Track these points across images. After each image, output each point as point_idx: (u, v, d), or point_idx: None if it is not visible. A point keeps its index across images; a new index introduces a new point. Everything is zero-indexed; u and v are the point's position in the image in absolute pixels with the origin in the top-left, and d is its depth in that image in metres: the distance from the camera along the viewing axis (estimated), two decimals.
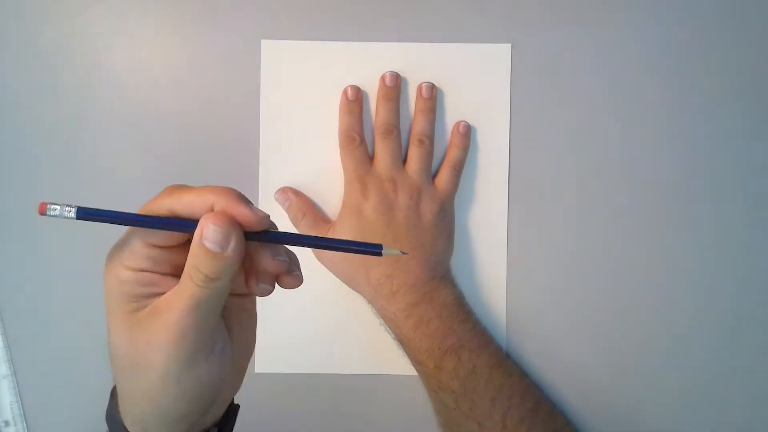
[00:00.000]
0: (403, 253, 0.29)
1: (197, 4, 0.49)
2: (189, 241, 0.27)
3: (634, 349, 0.49)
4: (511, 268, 0.49)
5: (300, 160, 0.49)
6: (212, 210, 0.27)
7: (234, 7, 0.49)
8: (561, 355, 0.49)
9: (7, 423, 0.49)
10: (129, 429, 0.29)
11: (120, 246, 0.28)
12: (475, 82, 0.49)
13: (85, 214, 0.27)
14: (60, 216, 0.26)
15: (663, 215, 0.49)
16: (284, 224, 0.49)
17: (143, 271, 0.28)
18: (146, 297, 0.28)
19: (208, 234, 0.26)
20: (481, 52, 0.49)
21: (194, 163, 0.49)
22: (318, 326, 0.49)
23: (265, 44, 0.49)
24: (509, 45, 0.49)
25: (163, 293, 0.27)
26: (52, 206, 0.27)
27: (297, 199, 0.48)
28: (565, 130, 0.49)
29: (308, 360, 0.49)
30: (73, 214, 0.26)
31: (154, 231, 0.27)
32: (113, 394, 0.31)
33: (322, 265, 0.48)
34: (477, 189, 0.50)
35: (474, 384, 0.44)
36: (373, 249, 0.28)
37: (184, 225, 0.27)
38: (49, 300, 0.49)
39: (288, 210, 0.48)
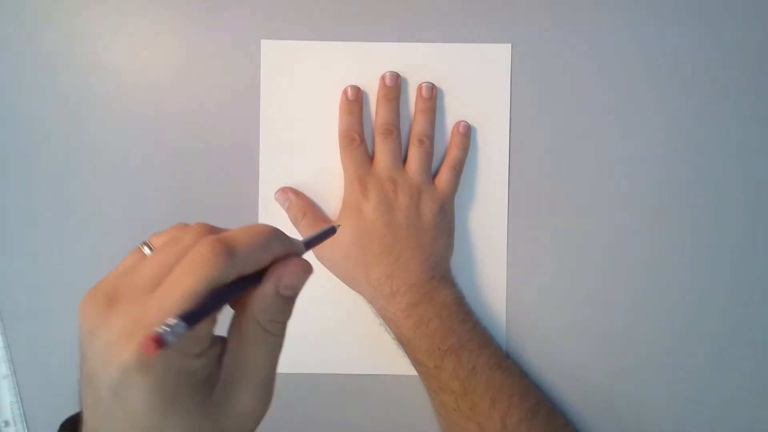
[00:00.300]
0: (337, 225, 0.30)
1: (197, 4, 0.49)
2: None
3: (634, 349, 0.49)
4: (511, 268, 0.49)
5: (300, 160, 0.49)
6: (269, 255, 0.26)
7: (234, 7, 0.49)
8: (561, 355, 0.49)
9: (7, 423, 0.49)
10: None
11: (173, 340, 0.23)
12: (475, 82, 0.49)
13: (192, 318, 0.22)
14: (174, 333, 0.22)
15: (663, 215, 0.49)
16: (284, 224, 0.49)
17: (208, 349, 0.25)
18: (212, 375, 0.25)
19: (289, 283, 0.26)
20: (481, 52, 0.49)
21: (194, 163, 0.49)
22: (318, 326, 0.49)
23: (265, 44, 0.49)
24: (509, 45, 0.49)
25: (218, 361, 0.25)
26: (164, 332, 0.21)
27: (297, 199, 0.48)
28: (565, 130, 0.49)
29: (308, 360, 0.49)
30: (182, 328, 0.22)
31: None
32: None
33: (323, 265, 0.48)
34: (477, 189, 0.50)
35: (474, 384, 0.44)
36: (330, 231, 0.29)
37: (251, 279, 0.25)
38: (49, 300, 0.49)
39: (288, 210, 0.48)
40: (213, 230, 0.27)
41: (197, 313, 0.22)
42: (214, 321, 0.25)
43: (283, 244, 0.26)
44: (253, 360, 0.26)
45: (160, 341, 0.21)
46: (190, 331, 0.22)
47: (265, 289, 0.26)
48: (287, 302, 0.26)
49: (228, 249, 0.24)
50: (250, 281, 0.25)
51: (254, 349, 0.26)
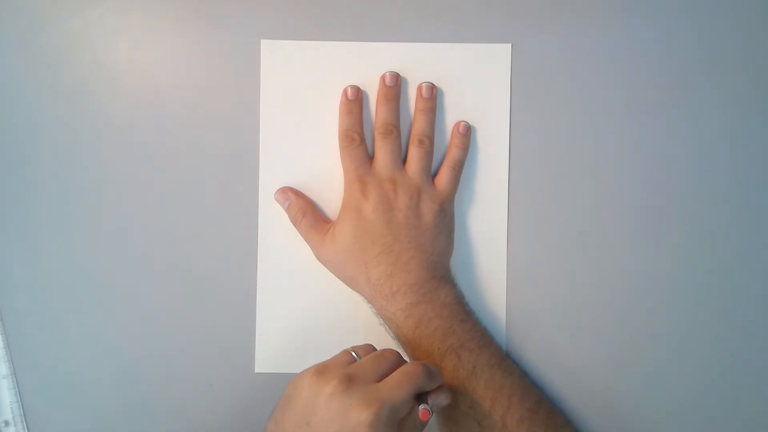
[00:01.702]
0: None
1: (197, 4, 0.49)
2: None
3: (634, 349, 0.49)
4: (511, 268, 0.49)
5: (300, 160, 0.49)
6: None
7: (234, 7, 0.49)
8: (561, 354, 0.49)
9: (7, 423, 0.49)
10: None
11: (394, 414, 0.36)
12: (475, 82, 0.49)
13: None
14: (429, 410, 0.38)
15: (663, 215, 0.49)
16: (284, 224, 0.49)
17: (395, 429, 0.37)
18: None
19: (440, 404, 0.40)
20: (481, 52, 0.49)
21: (194, 163, 0.49)
22: (318, 326, 0.49)
23: (265, 44, 0.49)
24: (509, 45, 0.49)
25: None
26: (428, 409, 0.38)
27: (297, 199, 0.48)
28: (565, 130, 0.49)
29: (308, 360, 0.49)
30: (428, 408, 0.38)
31: (411, 405, 0.38)
32: None
33: (323, 265, 0.48)
34: (477, 189, 0.50)
35: (474, 383, 0.44)
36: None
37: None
38: (49, 300, 0.49)
39: (288, 210, 0.48)
40: (400, 356, 0.40)
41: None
42: (405, 412, 0.37)
43: (441, 379, 0.40)
44: None
45: (428, 415, 0.38)
46: (426, 419, 0.38)
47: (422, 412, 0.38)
48: (431, 415, 0.39)
49: (429, 372, 0.39)
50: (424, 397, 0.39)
51: None
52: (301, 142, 0.49)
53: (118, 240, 0.49)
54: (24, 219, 0.49)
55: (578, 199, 0.49)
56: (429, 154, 0.48)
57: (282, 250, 0.49)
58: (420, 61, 0.49)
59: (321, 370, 0.37)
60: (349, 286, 0.48)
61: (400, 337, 0.46)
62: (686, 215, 0.49)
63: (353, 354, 0.40)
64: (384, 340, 0.48)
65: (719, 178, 0.49)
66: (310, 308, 0.50)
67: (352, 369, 0.38)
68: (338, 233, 0.47)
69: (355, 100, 0.48)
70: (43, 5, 0.49)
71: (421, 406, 0.38)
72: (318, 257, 0.48)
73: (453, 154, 0.49)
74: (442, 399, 0.40)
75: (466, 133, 0.49)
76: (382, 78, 0.48)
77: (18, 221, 0.49)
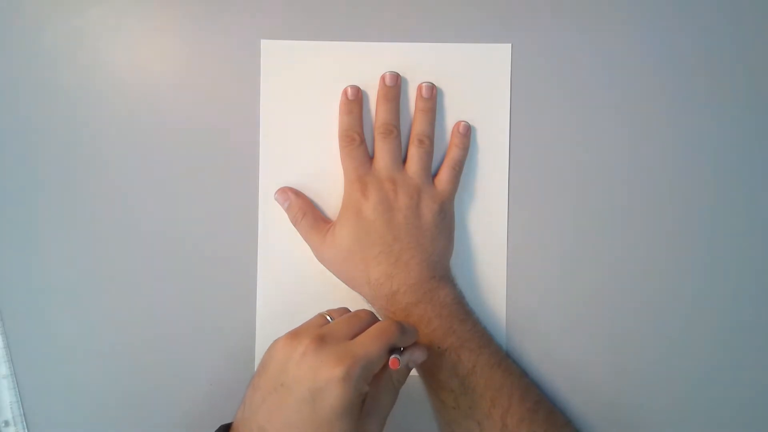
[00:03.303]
0: None
1: (197, 4, 0.49)
2: None
3: (634, 349, 0.49)
4: (511, 268, 0.49)
5: (300, 160, 0.49)
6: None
7: (234, 7, 0.49)
8: (561, 354, 0.49)
9: (7, 423, 0.49)
10: None
11: (366, 370, 0.36)
12: (475, 82, 0.49)
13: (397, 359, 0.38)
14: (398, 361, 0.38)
15: (663, 215, 0.49)
16: (284, 224, 0.49)
17: (368, 384, 0.37)
18: (360, 404, 0.37)
19: (417, 360, 0.40)
20: (481, 52, 0.49)
21: (194, 163, 0.49)
22: None
23: (265, 44, 0.49)
24: (509, 45, 0.49)
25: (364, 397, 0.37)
26: (398, 358, 0.38)
27: (297, 199, 0.48)
28: (565, 130, 0.49)
29: None
30: (398, 360, 0.38)
31: (385, 360, 0.37)
32: None
33: (323, 265, 0.48)
34: (477, 189, 0.50)
35: (474, 383, 0.44)
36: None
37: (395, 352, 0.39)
38: (49, 300, 0.49)
39: (288, 210, 0.48)
40: (375, 316, 0.40)
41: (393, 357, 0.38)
42: (378, 368, 0.37)
43: (417, 335, 0.41)
44: (383, 402, 0.39)
45: (397, 363, 0.37)
46: (395, 368, 0.38)
47: (402, 361, 0.39)
48: (409, 371, 0.40)
49: (402, 328, 0.39)
50: (398, 354, 0.39)
51: (385, 395, 0.39)
52: (301, 142, 0.49)
53: (118, 240, 0.49)
54: (24, 219, 0.49)
55: (578, 199, 0.49)
56: (429, 154, 0.48)
57: (282, 250, 0.49)
58: (420, 61, 0.49)
59: (294, 333, 0.38)
60: (349, 286, 0.48)
61: None
62: (686, 215, 0.49)
63: (327, 317, 0.40)
64: None
65: (720, 178, 0.49)
66: (310, 308, 0.49)
67: (325, 329, 0.38)
68: (338, 233, 0.47)
69: (355, 100, 0.48)
70: (43, 5, 0.49)
71: (392, 356, 0.37)
72: (318, 257, 0.48)
73: (453, 154, 0.49)
74: (418, 355, 0.40)
75: (466, 133, 0.49)
76: (382, 78, 0.48)
77: (18, 221, 0.49)
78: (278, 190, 0.49)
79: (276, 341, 0.38)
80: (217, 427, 0.39)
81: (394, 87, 0.48)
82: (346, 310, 0.41)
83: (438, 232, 0.47)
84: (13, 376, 0.49)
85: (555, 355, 0.49)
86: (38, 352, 0.49)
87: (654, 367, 0.49)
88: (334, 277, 0.48)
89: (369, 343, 0.37)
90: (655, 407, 0.49)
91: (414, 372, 0.47)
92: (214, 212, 0.49)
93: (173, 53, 0.50)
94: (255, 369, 0.49)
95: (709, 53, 0.49)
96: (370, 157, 0.48)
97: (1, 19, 0.49)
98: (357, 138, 0.48)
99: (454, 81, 0.49)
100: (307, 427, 0.35)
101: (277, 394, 0.36)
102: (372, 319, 0.40)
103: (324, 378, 0.35)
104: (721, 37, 0.49)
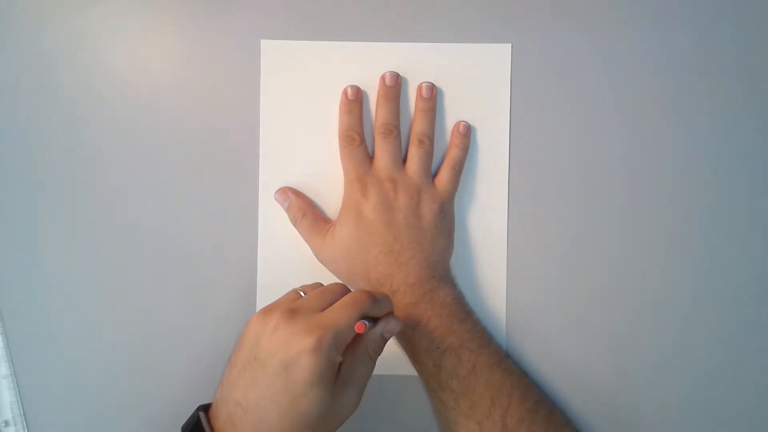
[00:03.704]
0: None
1: (197, 4, 0.49)
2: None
3: (634, 348, 0.49)
4: (511, 268, 0.49)
5: (300, 160, 0.49)
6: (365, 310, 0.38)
7: (234, 7, 0.49)
8: (561, 354, 0.49)
9: (7, 423, 0.49)
10: None
11: (338, 339, 0.36)
12: (475, 82, 0.49)
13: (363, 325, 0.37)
14: (365, 327, 0.37)
15: (663, 215, 0.49)
16: (284, 224, 0.49)
17: (341, 354, 0.37)
18: (334, 373, 0.37)
19: (392, 330, 0.40)
20: (481, 52, 0.49)
21: (194, 162, 0.49)
22: None
23: (265, 44, 0.49)
24: (509, 45, 0.49)
25: (338, 367, 0.37)
26: (364, 324, 0.37)
27: (297, 199, 0.48)
28: (565, 130, 0.49)
29: None
30: (366, 326, 0.38)
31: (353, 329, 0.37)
32: (202, 416, 0.38)
33: (322, 265, 0.48)
34: (477, 189, 0.50)
35: (474, 383, 0.44)
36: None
37: (370, 322, 0.39)
38: (49, 300, 0.49)
39: (288, 210, 0.48)
40: (347, 289, 0.40)
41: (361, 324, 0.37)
42: (351, 337, 0.38)
43: (392, 305, 0.41)
44: (359, 372, 0.39)
45: (363, 327, 0.37)
46: (361, 330, 0.37)
47: (377, 330, 0.39)
48: (384, 341, 0.40)
49: (373, 297, 0.38)
50: (371, 323, 0.39)
51: (361, 365, 0.39)
52: (301, 142, 0.49)
53: (118, 240, 0.49)
54: (24, 219, 0.49)
55: (578, 199, 0.49)
56: (429, 154, 0.48)
57: (282, 250, 0.49)
58: (420, 61, 0.49)
59: (266, 309, 0.38)
60: (348, 285, 0.48)
61: (399, 337, 0.46)
62: (686, 215, 0.49)
63: (301, 292, 0.40)
64: None
65: (720, 178, 0.49)
66: None
67: (296, 303, 0.38)
68: (338, 233, 0.47)
69: (355, 100, 0.48)
70: (43, 5, 0.49)
71: (359, 321, 0.37)
72: (318, 257, 0.48)
73: (453, 154, 0.49)
74: (393, 325, 0.40)
75: (466, 133, 0.49)
76: (382, 78, 0.48)
77: (18, 221, 0.49)
78: (278, 190, 0.49)
79: (250, 318, 0.38)
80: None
81: (394, 87, 0.48)
82: (320, 285, 0.41)
83: (438, 232, 0.47)
84: (13, 376, 0.49)
85: (555, 355, 0.49)
86: (38, 352, 0.49)
87: (654, 367, 0.49)
88: (334, 276, 0.48)
89: (339, 313, 0.37)
90: (655, 407, 0.49)
91: (413, 372, 0.47)
92: (214, 212, 0.49)
93: (173, 53, 0.50)
94: None
95: (709, 53, 0.49)
96: (370, 157, 0.48)
97: (1, 19, 0.49)
98: (357, 138, 0.48)
99: (454, 81, 0.49)
100: (282, 398, 0.35)
101: (251, 368, 0.36)
102: (344, 291, 0.39)
103: (295, 349, 0.35)
104: (721, 37, 0.49)
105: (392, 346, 0.47)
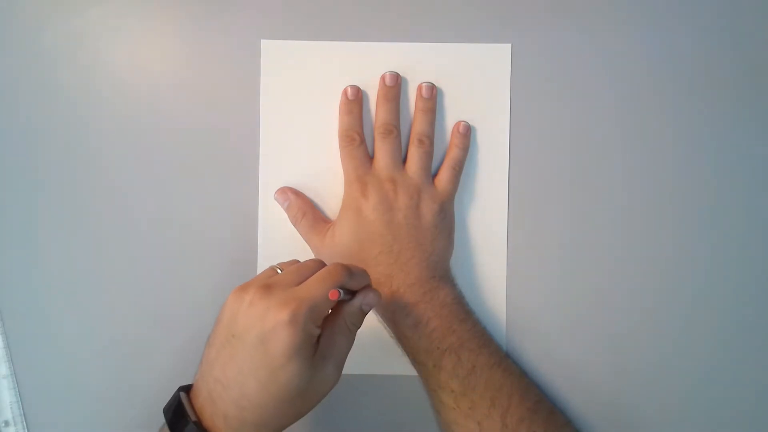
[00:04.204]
0: None
1: (197, 4, 0.49)
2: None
3: (634, 349, 0.49)
4: (511, 268, 0.49)
5: (300, 160, 0.49)
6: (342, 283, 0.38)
7: (234, 7, 0.49)
8: (561, 354, 0.49)
9: (7, 423, 0.49)
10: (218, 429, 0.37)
11: (313, 312, 0.36)
12: (475, 82, 0.49)
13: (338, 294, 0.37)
14: (340, 296, 0.37)
15: (663, 215, 0.49)
16: (284, 224, 0.49)
17: (318, 327, 0.37)
18: (313, 346, 0.37)
19: (371, 302, 0.40)
20: (481, 52, 0.49)
21: (194, 162, 0.49)
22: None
23: (265, 44, 0.49)
24: (509, 45, 0.49)
25: (316, 340, 0.37)
26: (338, 291, 0.37)
27: (297, 199, 0.48)
28: (565, 130, 0.49)
29: None
30: (341, 294, 0.37)
31: (332, 301, 0.37)
32: (183, 396, 0.39)
33: None
34: (477, 189, 0.50)
35: (473, 383, 0.44)
36: None
37: (348, 295, 0.39)
38: (49, 300, 0.49)
39: (288, 210, 0.48)
40: (323, 264, 0.39)
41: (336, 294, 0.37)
42: (328, 310, 0.38)
43: (368, 278, 0.40)
44: (338, 345, 0.39)
45: (337, 295, 0.36)
46: (335, 300, 0.37)
47: (355, 303, 0.39)
48: (363, 314, 0.40)
49: (349, 270, 0.38)
50: (348, 296, 0.39)
51: (339, 338, 0.39)
52: (301, 142, 0.49)
53: (118, 240, 0.49)
54: (24, 219, 0.49)
55: (578, 199, 0.49)
56: (429, 154, 0.48)
57: (282, 250, 0.49)
58: (420, 61, 0.49)
59: (242, 286, 0.38)
60: None
61: (399, 337, 0.46)
62: (686, 215, 0.49)
63: (278, 269, 0.40)
64: (383, 339, 0.48)
65: (720, 178, 0.49)
66: None
67: (272, 279, 0.38)
68: (338, 233, 0.47)
69: (355, 100, 0.48)
70: (43, 5, 0.49)
71: (331, 289, 0.37)
72: (318, 257, 0.48)
73: (453, 154, 0.49)
74: (371, 297, 0.39)
75: (466, 133, 0.49)
76: (382, 78, 0.48)
77: (18, 221, 0.49)
78: (278, 190, 0.49)
79: (227, 297, 0.38)
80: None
81: (394, 87, 0.48)
82: (297, 262, 0.41)
83: (438, 232, 0.47)
84: (13, 376, 0.49)
85: (555, 355, 0.49)
86: (38, 352, 0.49)
87: (654, 367, 0.49)
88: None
89: (314, 286, 0.36)
90: (655, 407, 0.49)
91: (413, 372, 0.47)
92: (214, 212, 0.49)
93: (173, 53, 0.50)
94: None
95: (709, 53, 0.49)
96: (370, 157, 0.48)
97: (1, 19, 0.49)
98: (357, 138, 0.48)
99: (454, 81, 0.49)
100: (261, 372, 0.35)
101: (229, 345, 0.37)
102: (320, 266, 0.39)
103: (271, 323, 0.35)
104: (721, 37, 0.49)
105: (392, 346, 0.47)
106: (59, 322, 0.49)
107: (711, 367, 0.49)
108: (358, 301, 0.39)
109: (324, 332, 0.38)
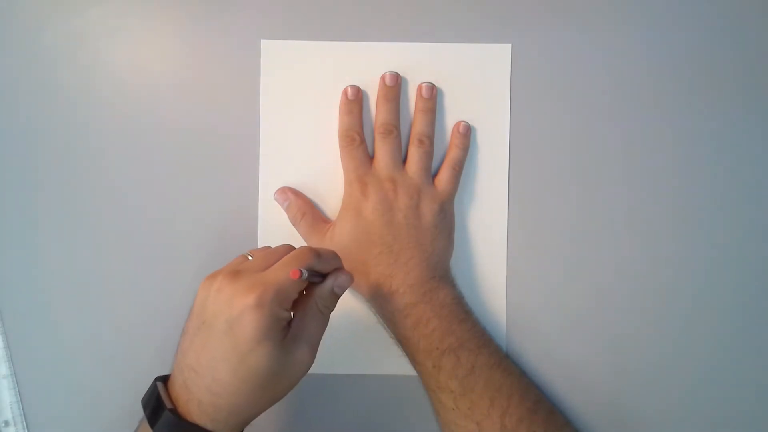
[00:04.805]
0: None
1: (197, 4, 0.49)
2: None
3: (634, 349, 0.49)
4: (511, 268, 0.49)
5: (300, 160, 0.49)
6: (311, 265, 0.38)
7: (234, 7, 0.49)
8: (561, 354, 0.49)
9: (7, 423, 0.49)
10: (195, 419, 0.37)
11: (280, 295, 0.36)
12: (475, 82, 0.49)
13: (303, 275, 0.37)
14: (302, 276, 0.36)
15: (663, 215, 0.49)
16: (284, 224, 0.49)
17: (288, 310, 0.37)
18: (284, 328, 0.37)
19: (341, 284, 0.40)
20: (481, 52, 0.49)
21: (194, 162, 0.49)
22: None
23: (265, 44, 0.49)
24: (509, 45, 0.49)
25: (287, 323, 0.38)
26: (300, 271, 0.36)
27: (296, 199, 0.48)
28: (565, 130, 0.49)
29: None
30: (304, 275, 0.36)
31: (303, 283, 0.38)
32: (159, 386, 0.39)
33: None
34: (477, 189, 0.50)
35: (473, 383, 0.44)
36: None
37: (319, 277, 0.39)
38: (49, 300, 0.49)
39: (287, 210, 0.48)
40: (293, 248, 0.39)
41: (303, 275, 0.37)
42: (296, 293, 0.37)
43: (339, 260, 0.40)
44: (310, 327, 0.39)
45: (298, 274, 0.36)
46: (302, 281, 0.37)
47: (326, 285, 0.39)
48: (336, 297, 0.40)
49: (317, 253, 0.38)
50: (318, 278, 0.39)
51: (311, 320, 0.39)
52: (301, 142, 0.49)
53: (118, 240, 0.49)
54: (24, 219, 0.49)
55: (578, 199, 0.49)
56: (429, 154, 0.48)
57: None
58: (420, 61, 0.49)
59: (212, 274, 0.38)
60: None
61: (398, 337, 0.46)
62: (686, 215, 0.49)
63: (248, 257, 0.40)
64: (383, 339, 0.48)
65: (720, 178, 0.49)
66: None
67: (241, 265, 0.38)
68: (338, 233, 0.47)
69: (355, 100, 0.48)
70: (43, 5, 0.49)
71: (293, 269, 0.37)
72: None
73: (453, 154, 0.49)
74: (342, 279, 0.40)
75: (466, 133, 0.49)
76: (382, 78, 0.48)
77: (18, 221, 0.49)
78: (278, 190, 0.49)
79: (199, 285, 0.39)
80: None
81: (394, 87, 0.48)
82: (268, 248, 0.41)
83: (438, 233, 0.47)
84: (13, 376, 0.49)
85: (555, 355, 0.49)
86: (38, 352, 0.49)
87: (654, 368, 0.49)
88: None
89: (281, 270, 0.37)
90: (655, 407, 0.49)
91: (413, 372, 0.47)
92: (214, 212, 0.49)
93: (173, 53, 0.50)
94: None
95: (709, 53, 0.49)
96: (370, 157, 0.48)
97: (1, 19, 0.49)
98: (357, 138, 0.48)
99: (454, 81, 0.49)
100: (231, 357, 0.36)
101: (200, 332, 0.37)
102: (290, 251, 0.39)
103: (238, 307, 0.35)
104: (721, 37, 0.49)
105: (392, 346, 0.47)
106: (59, 322, 0.49)
107: (711, 367, 0.49)
108: (329, 283, 0.39)
109: (296, 315, 0.39)
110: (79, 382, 0.49)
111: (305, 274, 0.37)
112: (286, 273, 0.36)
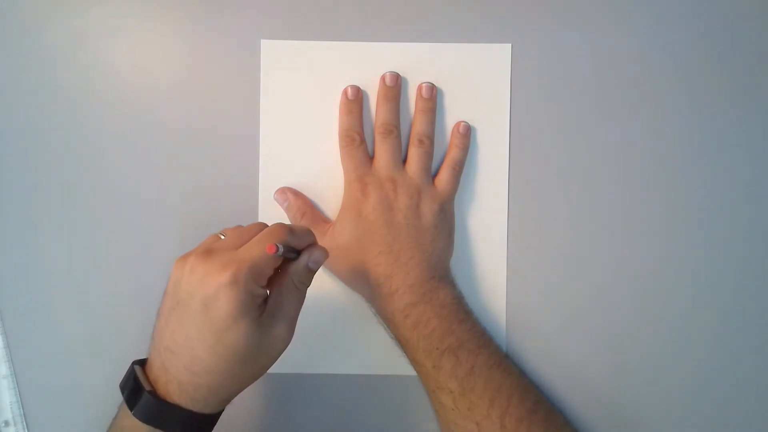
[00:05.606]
0: None
1: (197, 4, 0.49)
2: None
3: (634, 349, 0.49)
4: (511, 268, 0.49)
5: (300, 160, 0.49)
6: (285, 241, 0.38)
7: (234, 7, 0.49)
8: (561, 354, 0.49)
9: (7, 423, 0.49)
10: (175, 399, 0.37)
11: (254, 271, 0.36)
12: (475, 82, 0.49)
13: (279, 251, 0.37)
14: (277, 252, 0.36)
15: (663, 215, 0.49)
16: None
17: (263, 287, 0.37)
18: (261, 305, 0.37)
19: (316, 259, 0.39)
20: (481, 52, 0.49)
21: (194, 162, 0.49)
22: (317, 326, 0.49)
23: (265, 44, 0.49)
24: (509, 45, 0.49)
25: (263, 300, 0.38)
26: (276, 246, 0.36)
27: (296, 199, 0.48)
28: (565, 130, 0.49)
29: (308, 360, 0.49)
30: (279, 250, 0.36)
31: (277, 259, 0.37)
32: (137, 369, 0.39)
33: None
34: (477, 189, 0.50)
35: (472, 384, 0.44)
36: None
37: (294, 254, 0.39)
38: (49, 300, 0.49)
39: (287, 210, 0.48)
40: (266, 226, 0.39)
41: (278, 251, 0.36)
42: (270, 269, 0.37)
43: (313, 236, 0.40)
44: (287, 304, 0.39)
45: (274, 248, 0.36)
46: (277, 256, 0.37)
47: (301, 261, 0.39)
48: (311, 273, 0.40)
49: (290, 229, 0.38)
50: (293, 254, 0.39)
51: (288, 297, 0.39)
52: (301, 142, 0.49)
53: (118, 240, 0.49)
54: (24, 219, 0.49)
55: (578, 199, 0.49)
56: (429, 154, 0.48)
57: None
58: (420, 61, 0.49)
59: (184, 255, 0.38)
60: (348, 285, 0.48)
61: (398, 337, 0.46)
62: (687, 215, 0.49)
63: (221, 236, 0.40)
64: (383, 340, 0.48)
65: (720, 178, 0.49)
66: (309, 308, 0.49)
67: (213, 244, 0.38)
68: (338, 233, 0.47)
69: (355, 100, 0.48)
70: (43, 5, 0.49)
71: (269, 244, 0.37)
72: None
73: (453, 154, 0.49)
74: (317, 255, 0.39)
75: (466, 133, 0.49)
76: (382, 78, 0.48)
77: (18, 221, 0.49)
78: (277, 190, 0.49)
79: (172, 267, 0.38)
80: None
81: (394, 87, 0.48)
82: (240, 227, 0.41)
83: (438, 233, 0.47)
84: (13, 376, 0.49)
85: (555, 355, 0.49)
86: (38, 352, 0.49)
87: (654, 367, 0.49)
88: (334, 276, 0.48)
89: (255, 247, 0.37)
90: (655, 407, 0.49)
91: (413, 372, 0.47)
92: (214, 212, 0.49)
93: (173, 53, 0.50)
94: None
95: (709, 53, 0.49)
96: (370, 157, 0.48)
97: (1, 19, 0.49)
98: (357, 138, 0.48)
99: (454, 81, 0.49)
100: (208, 335, 0.35)
101: (175, 312, 0.37)
102: (262, 229, 0.39)
103: (212, 286, 0.35)
104: (721, 37, 0.49)
105: (392, 346, 0.47)
106: (59, 322, 0.49)
107: (711, 367, 0.49)
108: (304, 258, 0.39)
109: (272, 292, 0.38)
110: (79, 382, 0.49)
111: (281, 249, 0.36)
112: (260, 250, 0.36)
